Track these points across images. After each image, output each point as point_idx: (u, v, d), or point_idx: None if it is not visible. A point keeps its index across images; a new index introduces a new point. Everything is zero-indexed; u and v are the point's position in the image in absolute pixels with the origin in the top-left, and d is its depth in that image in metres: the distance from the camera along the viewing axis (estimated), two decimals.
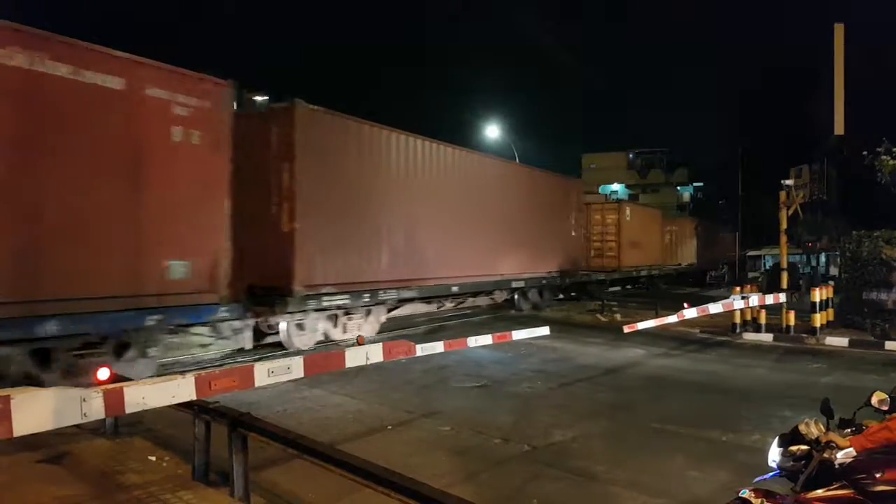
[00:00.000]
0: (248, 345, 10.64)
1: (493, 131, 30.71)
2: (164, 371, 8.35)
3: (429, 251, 13.44)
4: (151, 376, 6.76)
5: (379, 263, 12.17)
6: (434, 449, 6.10)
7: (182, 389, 4.31)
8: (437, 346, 6.80)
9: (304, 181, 10.42)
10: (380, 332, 12.84)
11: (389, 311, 13.37)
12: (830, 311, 14.08)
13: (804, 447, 3.01)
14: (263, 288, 10.12)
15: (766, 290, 15.16)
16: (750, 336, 13.75)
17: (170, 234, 7.96)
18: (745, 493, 2.86)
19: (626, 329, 10.08)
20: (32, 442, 5.19)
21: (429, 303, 15.00)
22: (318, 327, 11.54)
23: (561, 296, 21.37)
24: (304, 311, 10.83)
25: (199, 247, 8.27)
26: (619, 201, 25.70)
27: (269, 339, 11.34)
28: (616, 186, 57.56)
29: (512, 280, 16.81)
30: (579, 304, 20.70)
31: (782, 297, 13.60)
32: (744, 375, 9.95)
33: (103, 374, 4.61)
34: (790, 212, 14.88)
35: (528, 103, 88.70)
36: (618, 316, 17.24)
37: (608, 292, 24.10)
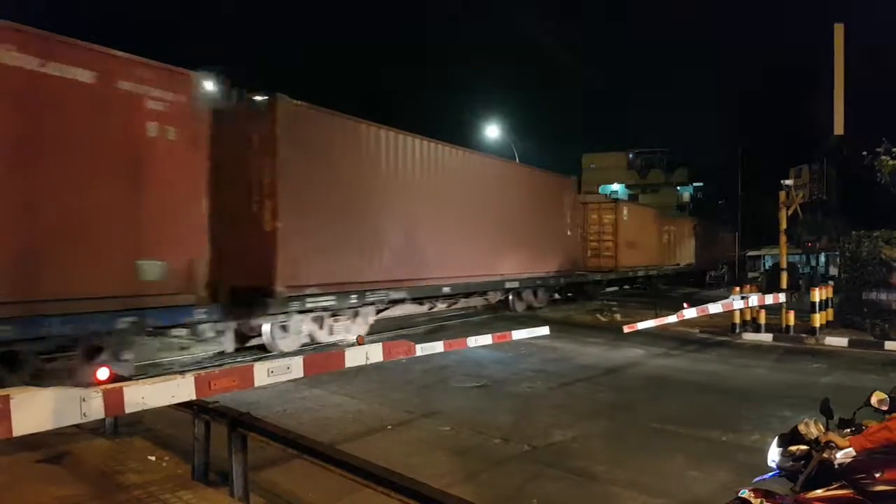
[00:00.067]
0: (230, 347, 10.38)
1: (493, 131, 30.74)
2: (141, 375, 8.09)
3: (419, 251, 13.22)
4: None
5: (367, 263, 11.88)
6: (434, 449, 6.10)
7: (182, 389, 4.31)
8: (437, 346, 6.80)
9: (286, 178, 10.17)
10: (375, 332, 12.65)
11: (379, 312, 13.06)
12: (830, 311, 14.08)
13: (804, 447, 3.01)
14: (245, 289, 9.82)
15: (765, 291, 15.16)
16: (750, 336, 13.74)
17: (143, 233, 7.69)
18: (745, 493, 2.86)
19: (626, 329, 10.08)
20: (32, 442, 5.19)
21: (420, 303, 14.73)
22: (302, 329, 11.23)
23: (557, 296, 21.22)
24: (287, 312, 10.55)
25: (175, 246, 7.98)
26: (615, 201, 25.13)
27: (253, 342, 11.03)
28: (616, 186, 57.55)
29: (506, 280, 16.58)
30: (579, 305, 20.66)
31: (782, 297, 13.61)
32: (743, 375, 9.95)
33: (103, 373, 4.61)
34: (790, 212, 14.89)
35: (528, 103, 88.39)
36: (618, 316, 17.23)
37: (605, 293, 24.01)
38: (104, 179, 7.38)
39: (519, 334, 8.20)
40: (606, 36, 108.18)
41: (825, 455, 2.88)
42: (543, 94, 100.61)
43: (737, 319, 14.14)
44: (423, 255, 13.34)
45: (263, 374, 4.87)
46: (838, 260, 16.61)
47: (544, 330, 8.46)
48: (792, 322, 13.52)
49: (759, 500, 2.79)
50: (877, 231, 13.53)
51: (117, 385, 4.02)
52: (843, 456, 2.87)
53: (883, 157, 15.21)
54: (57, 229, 6.97)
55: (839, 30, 24.77)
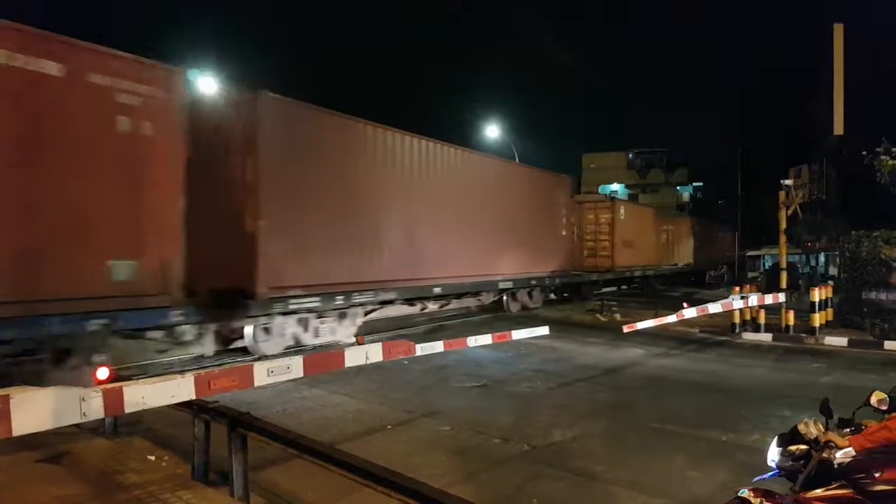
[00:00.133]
0: (209, 350, 10.08)
1: (493, 131, 30.76)
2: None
3: (409, 251, 12.83)
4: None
5: (354, 264, 11.45)
6: (434, 449, 6.11)
7: (181, 389, 4.31)
8: (437, 346, 6.81)
9: (269, 176, 9.76)
10: (374, 333, 12.50)
11: (367, 314, 12.68)
12: (830, 310, 14.09)
13: (803, 447, 3.02)
14: (226, 290, 9.44)
15: (765, 290, 15.18)
16: (749, 336, 13.75)
17: (114, 232, 7.38)
18: (745, 493, 2.86)
19: (626, 329, 10.10)
20: (32, 441, 5.20)
21: (411, 304, 14.30)
22: (286, 332, 10.83)
23: (553, 297, 21.03)
24: (270, 314, 10.18)
25: (148, 245, 7.68)
26: (612, 200, 24.61)
27: (236, 345, 10.61)
28: (616, 186, 57.52)
29: (499, 281, 16.23)
30: (576, 305, 20.61)
31: (781, 297, 13.61)
32: (743, 375, 9.96)
33: (102, 373, 4.61)
34: (789, 212, 14.89)
35: (528, 103, 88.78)
36: (617, 316, 17.22)
37: (601, 293, 23.84)
38: (71, 176, 7.08)
39: (519, 334, 8.21)
40: (606, 36, 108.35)
41: (825, 455, 2.88)
42: (543, 94, 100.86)
43: (736, 319, 14.15)
44: (412, 255, 12.94)
45: (263, 373, 4.87)
46: (838, 260, 16.61)
47: (544, 330, 8.48)
48: (792, 322, 13.53)
49: (758, 500, 2.79)
50: (876, 231, 13.54)
51: (117, 385, 4.03)
52: (842, 456, 2.87)
53: (882, 157, 15.21)
54: (20, 229, 6.68)
55: (839, 30, 24.75)
